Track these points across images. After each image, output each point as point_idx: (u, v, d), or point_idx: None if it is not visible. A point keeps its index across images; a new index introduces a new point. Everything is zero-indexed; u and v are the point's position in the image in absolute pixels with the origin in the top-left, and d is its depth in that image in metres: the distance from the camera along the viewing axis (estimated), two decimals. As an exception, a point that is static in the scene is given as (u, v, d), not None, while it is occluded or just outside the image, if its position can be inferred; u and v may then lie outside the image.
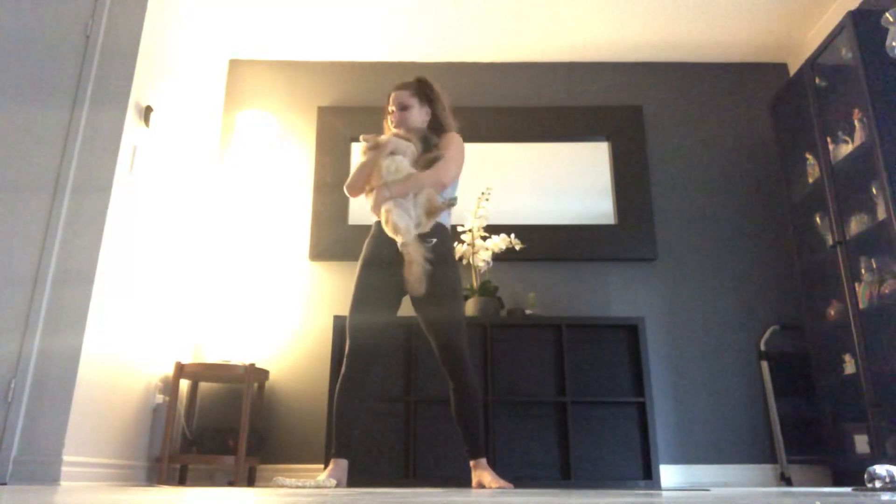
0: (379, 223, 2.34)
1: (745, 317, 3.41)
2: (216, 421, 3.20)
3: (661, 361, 3.34)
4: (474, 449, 2.24)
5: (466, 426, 2.24)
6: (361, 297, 2.28)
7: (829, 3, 3.43)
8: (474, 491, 1.93)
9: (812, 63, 3.16)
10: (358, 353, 2.22)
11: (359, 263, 2.37)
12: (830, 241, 2.98)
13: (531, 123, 3.73)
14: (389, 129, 2.50)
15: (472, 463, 2.24)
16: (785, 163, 3.42)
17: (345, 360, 2.25)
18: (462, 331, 2.26)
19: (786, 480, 3.07)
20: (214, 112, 3.61)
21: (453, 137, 2.45)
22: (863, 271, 2.82)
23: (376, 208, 2.30)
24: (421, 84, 2.50)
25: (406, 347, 2.98)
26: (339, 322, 2.95)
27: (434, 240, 2.29)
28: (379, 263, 2.31)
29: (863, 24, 2.82)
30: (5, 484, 2.09)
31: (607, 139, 3.71)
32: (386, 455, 2.84)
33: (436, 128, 2.49)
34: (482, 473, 2.21)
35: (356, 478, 2.68)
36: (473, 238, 3.20)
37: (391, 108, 2.48)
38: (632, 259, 3.49)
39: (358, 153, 2.48)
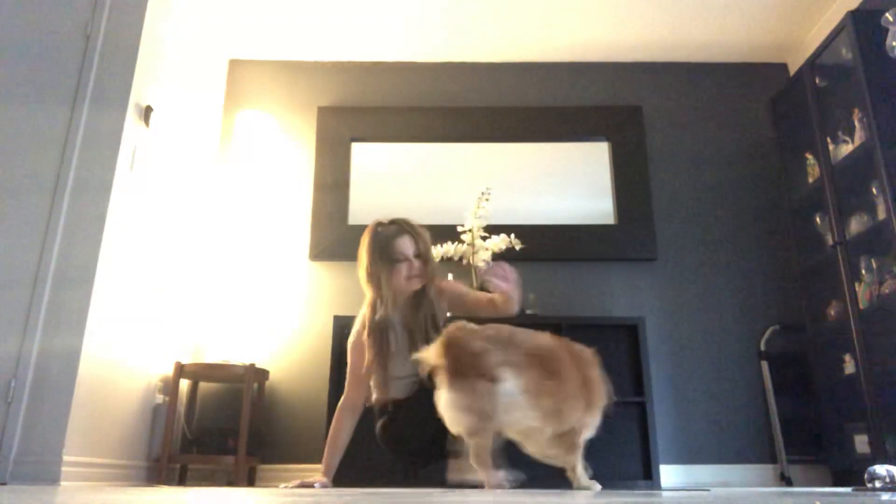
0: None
1: (745, 317, 3.41)
2: (216, 421, 3.20)
3: (661, 361, 3.34)
4: None
5: None
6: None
7: (829, 3, 3.43)
8: (474, 491, 1.92)
9: (812, 63, 3.16)
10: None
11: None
12: (830, 241, 2.98)
13: (531, 123, 3.72)
14: (387, 283, 2.16)
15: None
16: (785, 163, 3.42)
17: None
18: None
19: (786, 480, 3.06)
20: (214, 112, 3.61)
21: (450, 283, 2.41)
22: (863, 271, 2.82)
23: None
24: (411, 225, 2.23)
25: (406, 347, 2.97)
26: (339, 322, 2.94)
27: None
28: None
29: (863, 24, 2.82)
30: (5, 484, 2.09)
31: (607, 139, 3.71)
32: (386, 455, 2.83)
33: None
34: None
35: (356, 478, 2.68)
36: (473, 238, 3.19)
37: (401, 257, 2.16)
38: (632, 259, 3.49)
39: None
